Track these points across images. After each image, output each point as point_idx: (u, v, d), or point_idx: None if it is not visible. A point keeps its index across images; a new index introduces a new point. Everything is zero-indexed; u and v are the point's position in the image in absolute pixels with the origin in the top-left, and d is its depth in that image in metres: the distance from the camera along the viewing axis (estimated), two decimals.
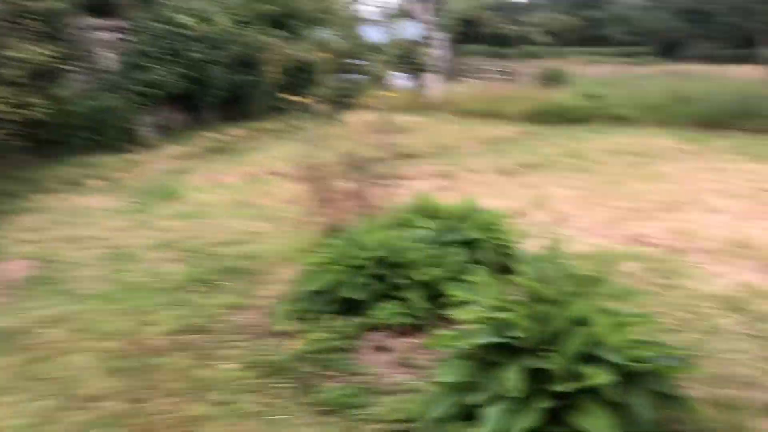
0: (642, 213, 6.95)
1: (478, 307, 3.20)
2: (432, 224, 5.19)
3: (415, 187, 8.83)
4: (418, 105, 18.33)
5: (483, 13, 10.00)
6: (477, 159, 10.98)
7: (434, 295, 4.43)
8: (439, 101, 19.34)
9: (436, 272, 4.45)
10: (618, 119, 15.03)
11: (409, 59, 9.74)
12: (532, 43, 50.71)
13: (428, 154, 11.84)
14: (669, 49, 54.47)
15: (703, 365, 3.65)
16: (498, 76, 30.79)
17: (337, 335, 4.06)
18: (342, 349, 3.94)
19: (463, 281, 4.45)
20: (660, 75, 24.15)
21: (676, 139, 11.92)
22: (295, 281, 4.80)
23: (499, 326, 2.94)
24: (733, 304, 4.57)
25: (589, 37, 59.09)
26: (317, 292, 4.42)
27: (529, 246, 6.11)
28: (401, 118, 15.36)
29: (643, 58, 42.06)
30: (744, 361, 3.71)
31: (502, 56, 46.08)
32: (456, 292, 4.27)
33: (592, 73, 28.34)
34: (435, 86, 20.63)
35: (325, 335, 4.05)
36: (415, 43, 10.39)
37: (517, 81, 26.55)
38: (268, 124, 15.51)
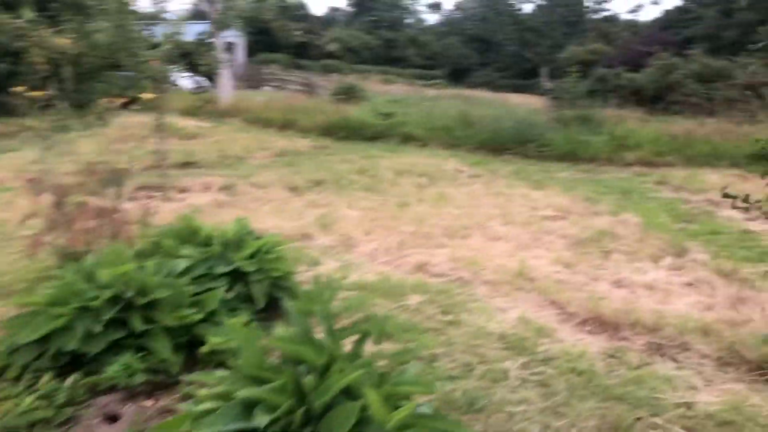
0: (428, 239, 6.70)
1: (225, 373, 2.53)
2: (195, 252, 4.42)
3: (190, 202, 7.96)
4: (208, 110, 17.26)
5: (274, 17, 9.37)
6: (265, 172, 10.29)
7: (188, 342, 3.69)
8: (232, 107, 18.40)
9: (192, 314, 3.70)
10: (409, 139, 15.17)
11: (194, 60, 8.86)
12: (332, 57, 51.23)
13: (212, 164, 10.94)
14: (459, 74, 58.07)
15: (489, 422, 3.30)
16: (296, 87, 30.49)
17: (53, 401, 3.15)
18: (56, 421, 3.04)
19: (223, 325, 3.77)
20: (450, 98, 25.17)
21: (462, 162, 12.15)
22: (8, 326, 3.76)
23: (248, 404, 2.29)
24: (517, 345, 4.33)
25: (388, 57, 61.23)
26: (34, 342, 3.45)
27: (311, 274, 5.57)
28: (185, 123, 14.27)
29: (435, 81, 44.10)
30: (529, 415, 3.41)
31: (302, 67, 46.08)
32: (213, 339, 3.59)
33: (387, 92, 28.96)
34: (228, 91, 19.64)
35: (36, 401, 3.12)
36: (201, 44, 9.52)
37: (316, 93, 26.36)
38: (32, 121, 13.58)
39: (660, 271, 6.01)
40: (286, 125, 16.81)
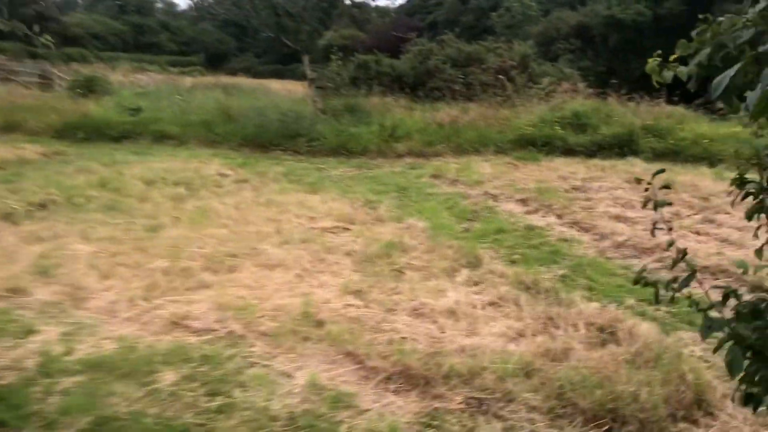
0: (187, 277, 5.35)
1: None
2: None
3: None
4: None
5: None
6: None
7: None
8: None
9: None
10: (163, 137, 13.39)
11: None
12: (76, 44, 46.20)
13: None
14: (216, 59, 55.70)
15: None
16: (30, 79, 26.63)
17: None
18: None
19: None
20: (208, 87, 23.34)
21: (226, 164, 10.78)
22: None
23: None
24: (311, 427, 3.29)
25: (138, 44, 57.05)
26: None
27: (20, 353, 4.02)
28: None
29: (191, 68, 41.58)
30: None
31: (39, 57, 40.82)
32: None
33: (138, 82, 26.38)
34: None
35: None
36: None
37: (54, 87, 23.14)
38: None
39: (459, 289, 5.31)
40: (9, 128, 14.05)
